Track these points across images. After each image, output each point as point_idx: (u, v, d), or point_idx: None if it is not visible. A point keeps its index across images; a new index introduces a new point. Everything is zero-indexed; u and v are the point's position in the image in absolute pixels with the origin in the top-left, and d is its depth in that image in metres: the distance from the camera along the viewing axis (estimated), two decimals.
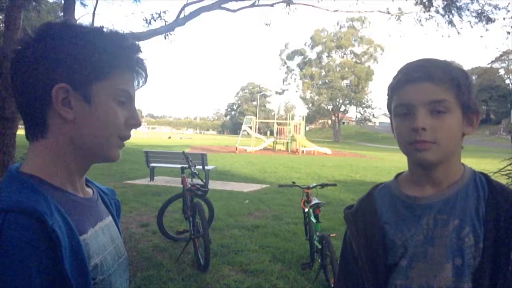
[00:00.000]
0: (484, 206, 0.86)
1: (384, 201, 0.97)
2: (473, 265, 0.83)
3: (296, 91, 64.28)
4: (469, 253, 0.83)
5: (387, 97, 0.94)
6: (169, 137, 49.12)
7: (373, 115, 64.32)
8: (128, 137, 0.77)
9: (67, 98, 0.68)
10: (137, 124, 0.77)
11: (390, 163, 18.68)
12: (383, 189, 1.01)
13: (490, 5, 7.60)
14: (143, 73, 0.78)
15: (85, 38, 0.69)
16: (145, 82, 0.79)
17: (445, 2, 7.61)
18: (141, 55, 0.76)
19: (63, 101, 0.68)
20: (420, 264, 0.87)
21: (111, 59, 0.71)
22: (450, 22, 7.74)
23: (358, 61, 58.96)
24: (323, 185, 4.40)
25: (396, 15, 8.63)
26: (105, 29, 0.74)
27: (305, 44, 62.48)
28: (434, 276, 0.85)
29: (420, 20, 8.09)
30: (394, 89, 0.90)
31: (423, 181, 0.91)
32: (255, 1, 7.40)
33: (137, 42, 0.77)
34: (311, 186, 4.36)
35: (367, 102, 61.13)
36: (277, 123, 30.45)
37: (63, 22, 0.71)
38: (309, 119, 59.31)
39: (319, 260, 3.76)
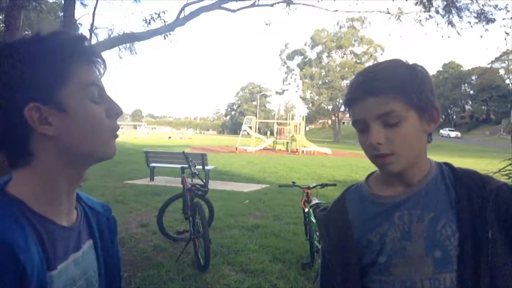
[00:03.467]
0: (454, 193, 0.87)
1: (355, 202, 0.98)
2: (456, 255, 0.83)
3: (296, 91, 64.29)
4: (449, 244, 0.84)
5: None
6: (169, 137, 49.12)
7: None
8: (116, 127, 0.74)
9: (42, 115, 0.65)
10: (118, 112, 0.74)
11: None
12: (354, 190, 1.01)
13: (489, 5, 7.60)
14: (99, 59, 0.74)
15: (32, 49, 0.66)
16: (105, 68, 0.76)
17: (445, 3, 7.62)
18: (87, 43, 0.72)
19: (40, 119, 0.65)
20: (400, 260, 0.87)
21: (63, 59, 0.67)
22: (450, 23, 7.75)
23: (358, 61, 58.92)
24: (323, 185, 4.40)
25: (396, 15, 8.63)
26: (44, 35, 0.69)
27: (305, 44, 62.53)
28: (416, 270, 0.85)
29: (420, 20, 8.09)
30: (346, 106, 0.91)
31: (393, 181, 0.92)
32: (255, 1, 7.41)
33: (79, 32, 0.75)
34: (311, 186, 4.36)
35: None
36: (277, 123, 30.45)
37: (6, 44, 0.68)
38: (309, 119, 59.28)
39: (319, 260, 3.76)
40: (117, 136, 0.75)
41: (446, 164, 0.95)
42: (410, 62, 0.88)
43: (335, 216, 0.99)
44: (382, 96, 0.82)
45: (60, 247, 0.69)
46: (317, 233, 3.90)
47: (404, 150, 0.84)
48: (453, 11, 7.61)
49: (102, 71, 0.75)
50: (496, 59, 56.44)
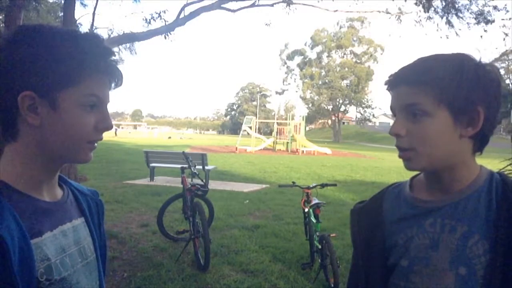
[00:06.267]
0: (496, 210, 0.79)
1: (392, 200, 0.95)
2: (482, 276, 0.77)
3: (296, 91, 64.36)
4: (478, 263, 0.77)
5: None
6: (169, 137, 49.11)
7: (373, 115, 64.26)
8: (99, 139, 0.79)
9: (34, 104, 0.70)
10: (108, 128, 0.78)
11: (390, 163, 18.67)
12: (394, 188, 0.98)
13: (488, 6, 7.61)
14: (116, 75, 0.79)
15: (54, 45, 0.71)
16: (121, 83, 0.81)
17: (444, 3, 7.63)
18: (114, 58, 0.77)
19: (30, 107, 0.70)
20: (422, 268, 0.83)
21: (78, 66, 0.71)
22: (449, 23, 7.76)
23: (358, 61, 58.92)
24: (323, 185, 4.40)
25: (396, 15, 8.63)
26: (78, 33, 0.75)
27: (305, 44, 62.52)
28: (436, 283, 0.81)
29: (420, 20, 8.10)
30: (387, 90, 0.88)
31: (433, 186, 0.87)
32: (255, 1, 7.41)
33: (109, 46, 0.78)
34: (311, 186, 4.36)
35: (367, 102, 61.09)
36: (277, 123, 30.44)
37: (35, 26, 0.73)
38: (309, 119, 59.28)
39: (319, 260, 3.77)
40: (94, 147, 0.79)
41: (500, 174, 0.86)
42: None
43: (370, 211, 0.97)
44: (414, 86, 0.79)
45: (44, 218, 0.74)
46: (317, 233, 3.90)
47: (424, 148, 0.80)
48: (452, 12, 7.62)
49: (117, 83, 0.80)
50: (496, 59, 56.48)
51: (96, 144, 0.79)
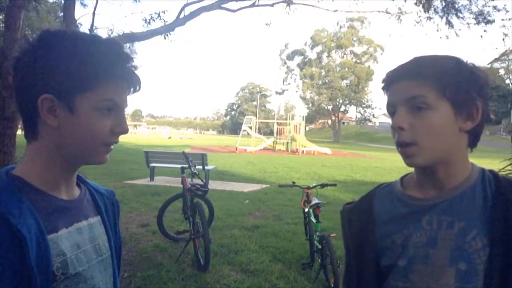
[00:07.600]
0: (492, 205, 0.80)
1: (383, 200, 0.94)
2: (483, 271, 0.77)
3: (296, 91, 64.41)
4: (477, 258, 0.78)
5: None
6: (169, 137, 49.12)
7: (373, 115, 64.27)
8: (115, 142, 0.81)
9: (53, 107, 0.74)
10: (123, 132, 0.81)
11: (390, 163, 18.68)
12: (385, 188, 0.97)
13: (488, 6, 7.61)
14: (134, 81, 0.81)
15: (74, 50, 0.74)
16: (139, 88, 0.83)
17: (444, 3, 7.63)
18: (132, 64, 0.80)
19: (49, 109, 0.74)
20: (421, 266, 0.82)
21: (94, 71, 0.74)
22: (449, 23, 7.76)
23: (358, 61, 58.93)
24: (323, 185, 4.40)
25: (396, 15, 8.64)
26: (97, 39, 0.78)
27: (305, 44, 62.55)
28: (436, 280, 0.80)
29: (420, 20, 8.10)
30: (384, 90, 0.89)
31: (426, 183, 0.87)
32: (255, 1, 7.41)
33: (128, 52, 0.80)
34: (311, 186, 4.36)
35: (367, 102, 61.11)
36: (277, 123, 30.44)
37: (59, 32, 0.76)
38: (309, 119, 59.32)
39: (319, 260, 3.76)
40: (110, 149, 0.82)
41: (491, 171, 0.87)
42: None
43: (360, 210, 0.96)
44: (416, 79, 0.80)
45: (60, 215, 0.78)
46: (317, 233, 3.90)
47: (427, 141, 0.79)
48: (452, 12, 7.62)
49: (136, 89, 0.83)
50: (496, 59, 56.38)
51: (112, 147, 0.81)
